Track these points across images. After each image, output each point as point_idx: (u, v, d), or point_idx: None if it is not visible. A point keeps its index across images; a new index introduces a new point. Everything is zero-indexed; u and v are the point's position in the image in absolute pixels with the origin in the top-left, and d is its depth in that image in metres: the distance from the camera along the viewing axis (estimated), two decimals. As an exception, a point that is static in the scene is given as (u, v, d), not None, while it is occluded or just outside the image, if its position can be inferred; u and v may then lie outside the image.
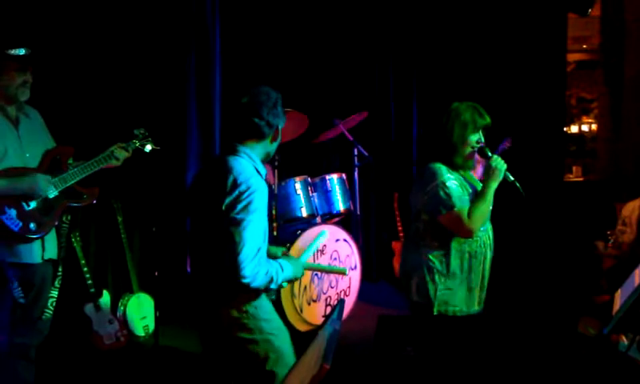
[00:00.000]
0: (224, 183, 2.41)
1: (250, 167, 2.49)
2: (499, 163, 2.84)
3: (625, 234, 4.90)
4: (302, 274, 2.73)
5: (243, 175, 2.42)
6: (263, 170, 2.57)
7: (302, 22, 6.28)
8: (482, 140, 2.93)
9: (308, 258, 2.85)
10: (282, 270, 2.51)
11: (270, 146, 2.62)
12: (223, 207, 2.39)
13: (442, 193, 2.79)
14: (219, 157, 2.56)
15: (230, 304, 2.48)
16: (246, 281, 2.34)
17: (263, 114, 2.51)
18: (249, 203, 2.37)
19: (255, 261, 2.35)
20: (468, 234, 2.80)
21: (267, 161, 2.71)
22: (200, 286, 2.58)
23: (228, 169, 2.44)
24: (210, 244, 2.48)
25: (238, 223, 2.35)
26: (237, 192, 2.38)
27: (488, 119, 2.92)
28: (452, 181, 2.83)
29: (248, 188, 2.38)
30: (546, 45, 6.29)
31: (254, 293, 2.48)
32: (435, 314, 2.87)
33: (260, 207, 2.40)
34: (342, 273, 2.98)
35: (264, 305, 2.55)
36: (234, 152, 2.52)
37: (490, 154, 2.89)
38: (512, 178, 2.90)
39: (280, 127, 2.61)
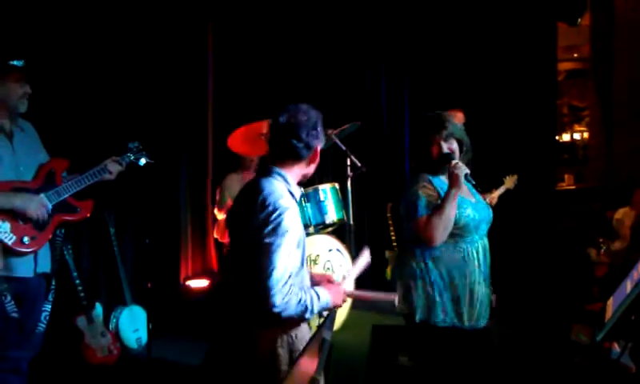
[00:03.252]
0: (254, 204, 2.31)
1: (281, 188, 2.36)
2: (457, 168, 2.81)
3: (619, 239, 4.93)
4: (343, 302, 2.53)
5: (272, 196, 2.30)
6: (297, 192, 2.45)
7: (294, 34, 6.31)
8: (451, 148, 2.91)
9: (350, 286, 2.65)
10: (319, 298, 2.33)
11: (307, 168, 2.48)
12: (252, 229, 2.28)
13: (412, 199, 2.82)
14: (254, 178, 2.45)
15: (267, 329, 2.33)
16: (276, 310, 2.19)
17: (302, 136, 2.38)
18: (277, 225, 2.23)
19: (286, 288, 2.20)
20: (427, 241, 2.77)
21: (307, 180, 2.57)
22: (234, 307, 2.44)
23: (259, 190, 2.34)
24: (243, 266, 2.36)
25: (266, 247, 2.22)
26: (265, 213, 2.26)
27: (452, 128, 2.91)
28: (428, 189, 2.84)
29: (276, 209, 2.25)
30: (537, 54, 6.32)
31: (290, 323, 2.33)
32: (417, 321, 2.82)
33: (290, 229, 2.26)
34: (391, 300, 2.82)
35: (303, 336, 2.39)
36: (268, 173, 2.41)
37: (452, 161, 2.86)
38: (473, 183, 2.88)
39: (319, 149, 2.46)
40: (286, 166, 2.43)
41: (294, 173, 2.45)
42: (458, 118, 4.58)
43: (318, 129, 2.42)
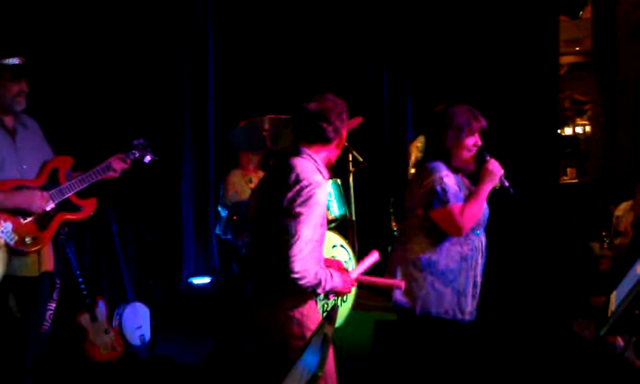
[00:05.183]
0: (286, 180, 2.43)
1: (312, 167, 2.50)
2: (495, 167, 2.83)
3: (621, 234, 4.91)
4: (350, 289, 2.65)
5: (305, 172, 2.44)
6: (326, 174, 2.58)
7: (295, 29, 6.29)
8: (478, 142, 2.91)
9: (359, 275, 2.72)
10: (332, 278, 2.47)
11: (333, 152, 2.63)
12: (284, 203, 2.40)
13: (438, 187, 2.76)
14: (283, 158, 2.57)
15: (279, 305, 2.47)
16: (294, 276, 2.33)
17: (331, 119, 2.54)
18: (309, 197, 2.37)
19: (307, 258, 2.35)
20: (458, 231, 2.76)
21: (329, 166, 2.68)
22: (255, 283, 2.58)
23: (291, 167, 2.47)
24: (268, 241, 2.47)
25: (295, 216, 2.36)
26: (298, 187, 2.39)
27: (484, 122, 2.91)
28: (450, 178, 2.81)
29: (310, 184, 2.40)
30: (538, 48, 6.31)
31: (302, 297, 2.46)
32: (417, 314, 2.80)
33: (320, 203, 2.41)
34: (399, 287, 2.82)
35: (313, 315, 2.51)
36: (298, 153, 2.54)
37: (487, 157, 2.87)
38: (507, 185, 2.88)
39: (345, 134, 2.63)
40: (314, 149, 2.56)
41: (321, 156, 2.58)
42: None
43: (344, 115, 2.59)
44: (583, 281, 5.23)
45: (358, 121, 5.43)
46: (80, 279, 4.49)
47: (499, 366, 3.28)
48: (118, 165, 3.45)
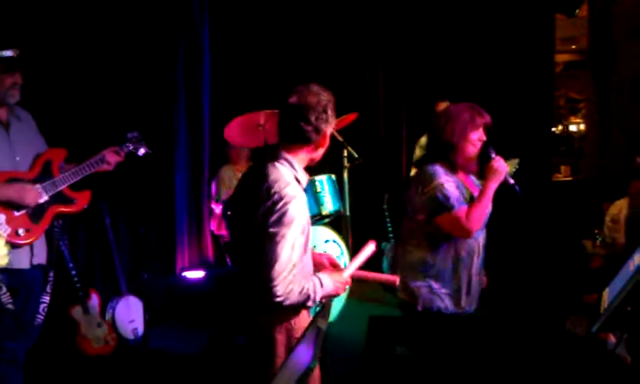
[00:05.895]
0: (259, 192, 2.26)
1: (287, 175, 2.30)
2: (501, 165, 2.84)
3: (615, 232, 4.92)
4: (344, 290, 2.48)
5: (278, 184, 2.24)
6: (304, 178, 2.39)
7: (292, 23, 6.29)
8: (482, 138, 2.92)
9: (352, 272, 2.55)
10: (322, 285, 2.31)
11: (315, 153, 2.41)
12: (258, 218, 2.24)
13: (439, 195, 2.79)
14: (259, 163, 2.39)
15: (268, 315, 2.32)
16: (278, 299, 2.19)
17: (311, 119, 2.30)
18: (282, 215, 2.19)
19: (289, 278, 2.19)
20: (466, 234, 2.79)
21: (311, 166, 2.49)
22: (244, 289, 2.43)
23: (264, 176, 2.28)
24: (248, 253, 2.34)
25: (270, 237, 2.19)
26: (270, 202, 2.21)
27: (487, 117, 2.92)
28: (450, 183, 2.83)
29: (281, 198, 2.21)
30: (534, 46, 6.32)
31: (292, 310, 2.32)
32: (420, 311, 2.86)
33: (296, 219, 2.21)
34: (393, 283, 2.76)
35: (303, 323, 2.36)
36: (275, 158, 2.34)
37: (492, 154, 2.88)
38: (512, 182, 2.91)
39: (329, 132, 2.39)
40: (294, 150, 2.36)
41: (302, 157, 2.38)
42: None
43: (329, 112, 2.35)
44: (576, 278, 5.25)
45: (352, 117, 5.44)
46: (73, 272, 4.47)
47: (492, 363, 3.29)
48: (112, 157, 3.44)
